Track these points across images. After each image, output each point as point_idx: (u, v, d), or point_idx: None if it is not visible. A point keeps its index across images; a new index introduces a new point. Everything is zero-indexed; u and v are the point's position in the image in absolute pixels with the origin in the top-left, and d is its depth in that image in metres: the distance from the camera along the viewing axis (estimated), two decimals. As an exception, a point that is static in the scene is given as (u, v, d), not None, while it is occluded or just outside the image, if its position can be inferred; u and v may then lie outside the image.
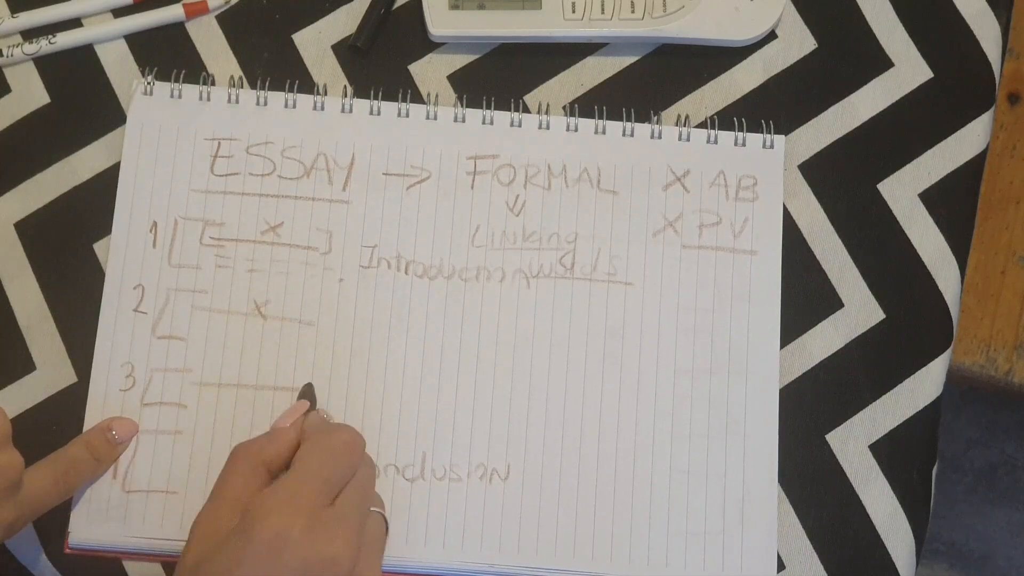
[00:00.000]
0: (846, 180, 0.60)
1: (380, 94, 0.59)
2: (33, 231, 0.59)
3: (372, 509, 0.51)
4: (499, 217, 0.59)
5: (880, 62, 0.62)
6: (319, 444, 0.50)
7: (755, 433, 0.57)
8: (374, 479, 0.52)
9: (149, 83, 0.59)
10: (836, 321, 0.59)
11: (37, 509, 0.51)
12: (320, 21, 0.61)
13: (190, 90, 0.59)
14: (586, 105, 0.60)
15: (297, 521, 0.46)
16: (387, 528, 0.52)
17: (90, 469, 0.54)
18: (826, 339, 0.59)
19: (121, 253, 0.57)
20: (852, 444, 0.58)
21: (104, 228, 0.58)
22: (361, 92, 0.60)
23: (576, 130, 0.60)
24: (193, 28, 0.61)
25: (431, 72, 0.61)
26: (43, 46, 0.60)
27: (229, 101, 0.59)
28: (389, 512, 0.55)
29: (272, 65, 0.61)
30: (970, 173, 0.61)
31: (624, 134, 0.60)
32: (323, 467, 0.49)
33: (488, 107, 0.60)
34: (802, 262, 0.59)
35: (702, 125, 0.60)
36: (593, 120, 0.60)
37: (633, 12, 0.60)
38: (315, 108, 0.59)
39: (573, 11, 0.60)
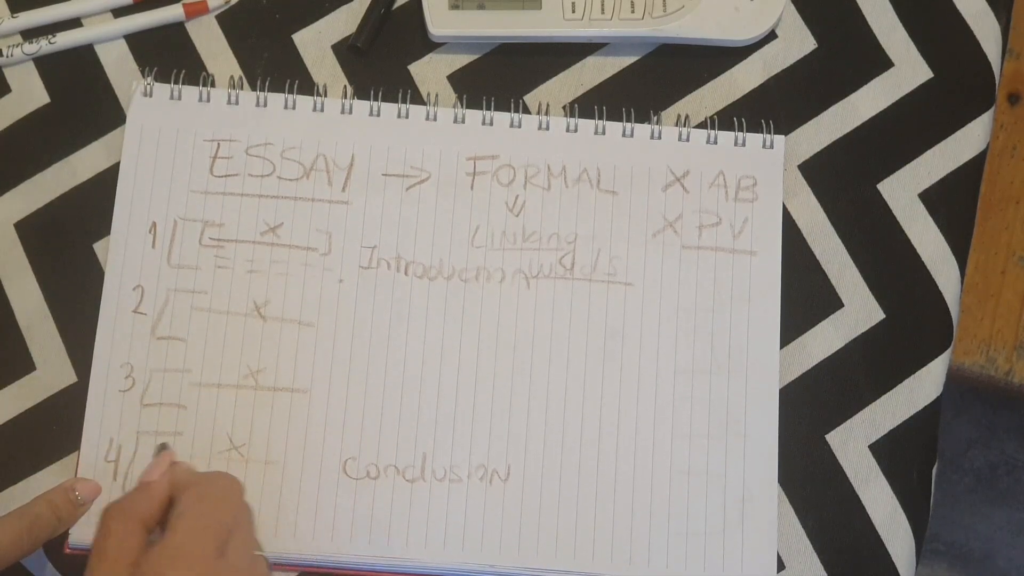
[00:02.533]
0: (846, 180, 0.60)
1: (380, 94, 0.59)
2: (33, 231, 0.59)
3: (256, 552, 0.49)
4: (499, 217, 0.59)
5: (880, 62, 0.62)
6: (201, 494, 0.48)
7: (755, 433, 0.57)
8: (254, 521, 0.51)
9: (149, 84, 0.59)
10: (836, 321, 0.59)
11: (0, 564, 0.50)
12: (320, 21, 0.61)
13: (190, 91, 0.59)
14: (586, 105, 0.60)
15: None
16: (270, 569, 0.50)
17: (52, 528, 0.52)
18: (826, 339, 0.59)
19: (120, 254, 0.57)
20: (852, 444, 0.58)
21: (104, 228, 0.58)
22: (361, 92, 0.60)
23: (576, 130, 0.60)
24: (193, 28, 0.61)
25: (431, 72, 0.61)
26: (43, 46, 0.60)
27: (228, 102, 0.59)
28: (389, 512, 0.55)
29: (272, 65, 0.61)
30: (970, 173, 0.61)
31: (624, 134, 0.60)
32: (209, 517, 0.47)
33: (488, 107, 0.60)
34: (802, 262, 0.59)
35: (702, 125, 0.60)
36: (593, 120, 0.60)
37: (633, 12, 0.60)
38: (315, 109, 0.59)
39: (573, 11, 0.60)
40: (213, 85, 0.60)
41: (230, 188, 0.58)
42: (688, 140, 0.60)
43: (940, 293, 0.60)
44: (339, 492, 0.55)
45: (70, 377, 0.57)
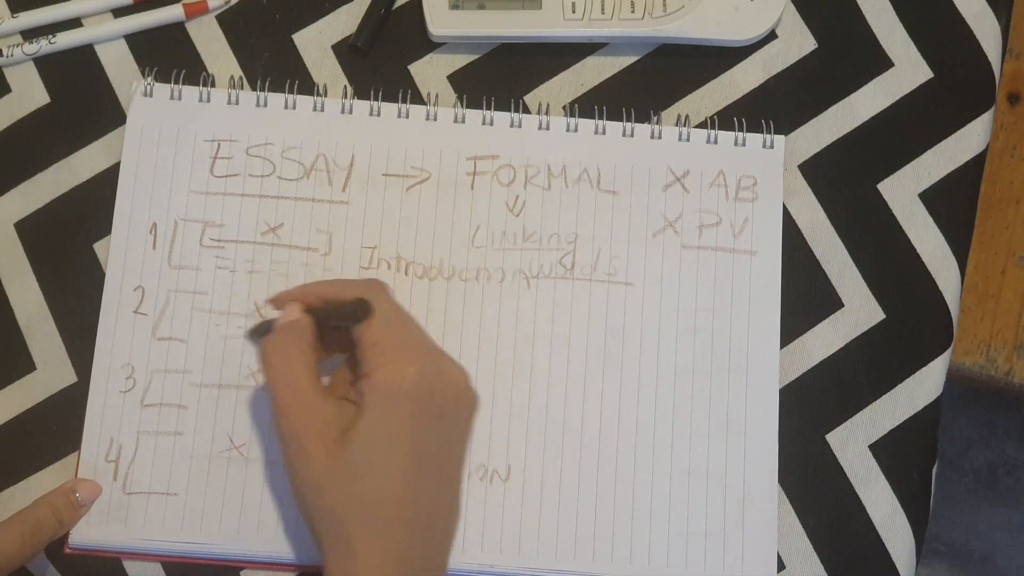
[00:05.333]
0: (846, 180, 0.60)
1: (380, 94, 0.59)
2: (33, 231, 0.59)
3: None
4: (499, 218, 0.59)
5: (880, 62, 0.62)
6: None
7: (755, 433, 0.57)
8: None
9: (149, 84, 0.59)
10: (836, 321, 0.59)
11: (4, 568, 0.51)
12: (320, 21, 0.61)
13: (190, 91, 0.59)
14: (586, 105, 0.60)
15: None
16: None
17: (53, 531, 0.53)
18: (826, 339, 0.59)
19: (121, 255, 0.57)
20: (852, 444, 0.58)
21: (104, 228, 0.58)
22: (361, 92, 0.60)
23: (576, 130, 0.60)
24: (193, 28, 0.61)
25: (431, 72, 0.61)
26: (43, 46, 0.60)
27: (229, 102, 0.59)
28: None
29: (272, 65, 0.61)
30: (970, 173, 0.61)
31: (624, 134, 0.60)
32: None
33: (488, 107, 0.60)
34: (802, 262, 0.59)
35: (702, 125, 0.60)
36: (593, 120, 0.60)
37: (633, 12, 0.60)
38: (315, 109, 0.59)
39: (573, 11, 0.60)
40: (213, 85, 0.60)
41: (230, 188, 0.58)
42: (688, 140, 0.60)
43: (940, 293, 0.60)
44: (339, 492, 0.55)
45: (70, 377, 0.57)
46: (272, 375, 0.50)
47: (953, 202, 0.61)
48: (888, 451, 0.58)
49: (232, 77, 0.60)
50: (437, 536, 0.50)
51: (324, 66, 0.61)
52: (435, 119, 0.59)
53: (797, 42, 0.62)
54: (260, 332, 0.54)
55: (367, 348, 0.49)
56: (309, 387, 0.49)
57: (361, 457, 0.48)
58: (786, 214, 0.60)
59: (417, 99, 0.60)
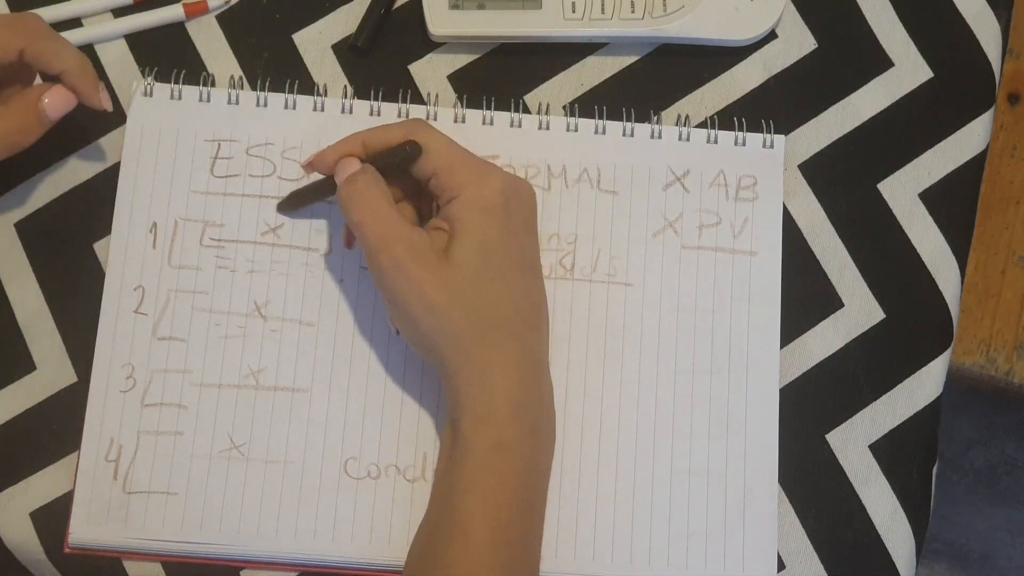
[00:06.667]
0: (846, 180, 0.61)
1: (380, 94, 0.60)
2: (33, 231, 0.59)
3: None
4: (499, 217, 0.58)
5: (880, 62, 0.62)
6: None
7: (755, 433, 0.57)
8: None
9: (149, 84, 0.59)
10: (836, 321, 0.59)
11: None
12: (320, 21, 0.61)
13: (190, 91, 0.59)
14: (586, 105, 0.60)
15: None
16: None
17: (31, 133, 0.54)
18: (826, 339, 0.59)
19: (121, 255, 0.57)
20: (852, 444, 0.58)
21: (104, 228, 0.58)
22: (361, 92, 0.60)
23: (576, 130, 0.60)
24: (193, 28, 0.61)
25: (431, 72, 0.61)
26: (43, 46, 0.60)
27: (229, 102, 0.59)
28: (391, 513, 0.55)
29: (272, 65, 0.61)
30: (970, 173, 0.61)
31: (624, 134, 0.60)
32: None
33: (488, 107, 0.60)
34: (802, 262, 0.59)
35: (702, 125, 0.60)
36: (593, 120, 0.60)
37: (633, 12, 0.60)
38: (315, 109, 0.59)
39: (573, 11, 0.60)
40: (213, 85, 0.60)
41: (231, 188, 0.58)
42: (688, 140, 0.60)
43: (940, 293, 0.60)
44: (340, 492, 0.55)
45: (70, 377, 0.57)
46: (361, 215, 0.51)
47: (953, 202, 0.61)
48: (888, 451, 0.58)
49: (232, 77, 0.60)
50: (544, 327, 0.54)
51: (324, 66, 0.61)
52: (435, 119, 0.59)
53: (797, 42, 0.62)
54: (306, 196, 0.56)
55: (443, 175, 0.52)
56: (401, 220, 0.51)
57: (471, 270, 0.50)
58: (786, 214, 0.60)
59: (417, 99, 0.60)
